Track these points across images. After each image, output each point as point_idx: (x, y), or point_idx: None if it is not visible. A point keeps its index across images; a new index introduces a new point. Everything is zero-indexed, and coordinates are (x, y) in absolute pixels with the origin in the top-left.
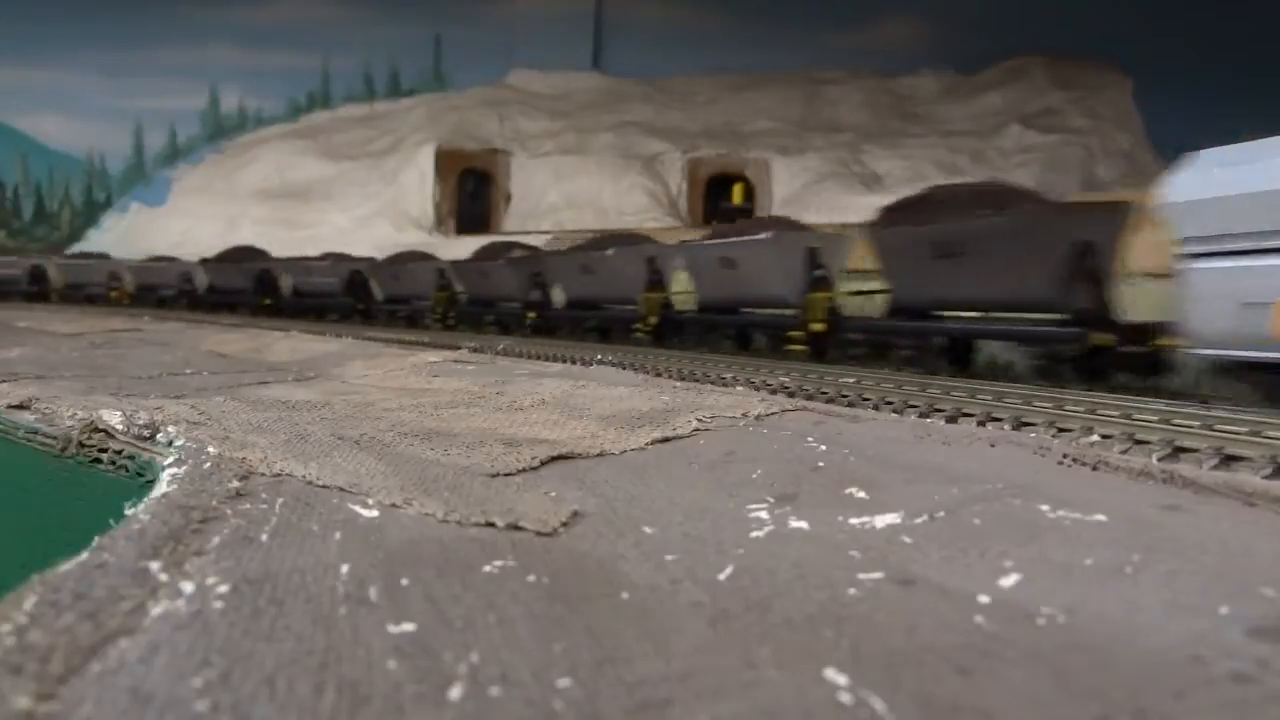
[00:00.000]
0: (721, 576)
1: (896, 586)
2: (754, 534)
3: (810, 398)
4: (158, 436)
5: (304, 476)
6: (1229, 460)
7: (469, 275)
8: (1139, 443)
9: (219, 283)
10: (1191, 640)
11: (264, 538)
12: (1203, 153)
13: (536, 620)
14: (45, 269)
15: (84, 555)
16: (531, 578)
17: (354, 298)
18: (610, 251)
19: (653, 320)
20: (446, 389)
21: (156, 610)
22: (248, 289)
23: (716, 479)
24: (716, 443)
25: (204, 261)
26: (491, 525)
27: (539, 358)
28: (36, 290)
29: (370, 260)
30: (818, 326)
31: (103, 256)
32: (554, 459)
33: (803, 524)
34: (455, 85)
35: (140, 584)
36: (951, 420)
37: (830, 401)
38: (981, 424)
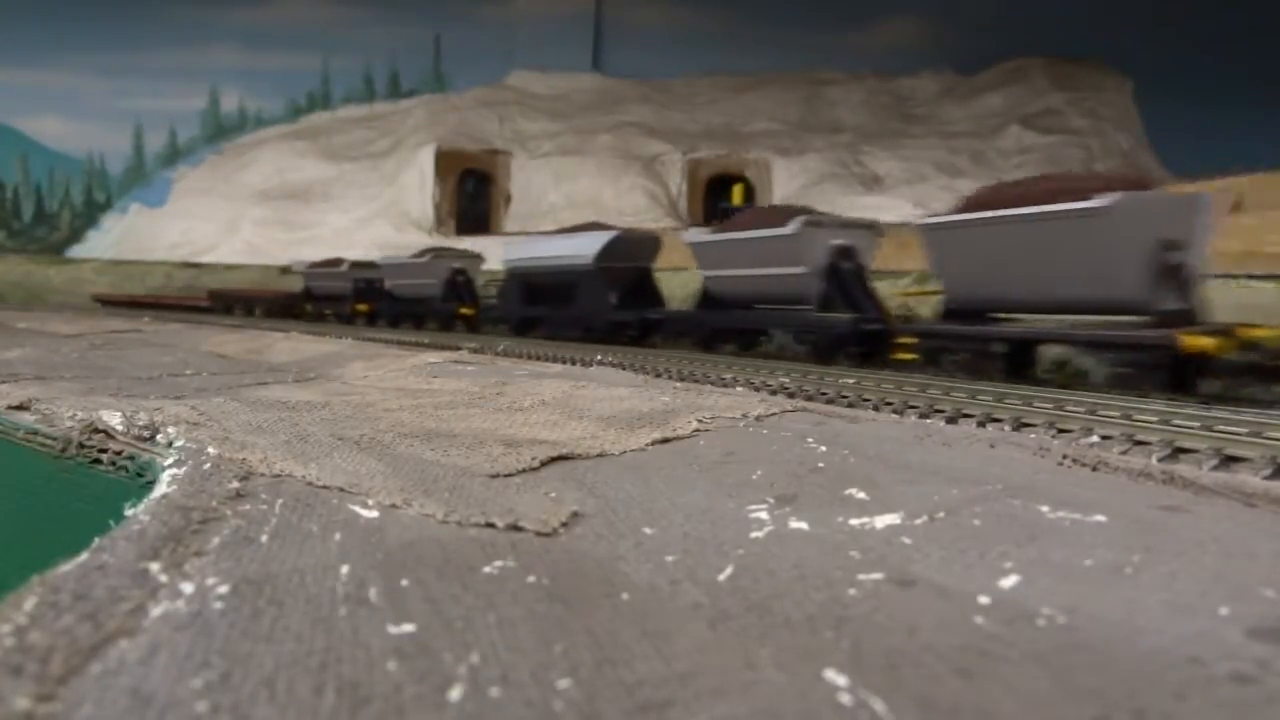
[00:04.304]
0: (721, 577)
1: (896, 587)
2: (754, 535)
3: (810, 398)
4: (157, 437)
5: (304, 477)
6: (1229, 461)
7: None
8: (1139, 443)
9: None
10: (1191, 640)
11: (264, 538)
12: None
13: (536, 621)
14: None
15: (84, 556)
16: (531, 578)
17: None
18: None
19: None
20: (446, 390)
21: (156, 611)
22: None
23: (716, 480)
24: (716, 443)
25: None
26: (491, 526)
27: (539, 358)
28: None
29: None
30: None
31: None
32: (554, 460)
33: (803, 525)
34: (455, 86)
35: (140, 585)
36: (951, 421)
37: (830, 402)
38: (981, 425)
